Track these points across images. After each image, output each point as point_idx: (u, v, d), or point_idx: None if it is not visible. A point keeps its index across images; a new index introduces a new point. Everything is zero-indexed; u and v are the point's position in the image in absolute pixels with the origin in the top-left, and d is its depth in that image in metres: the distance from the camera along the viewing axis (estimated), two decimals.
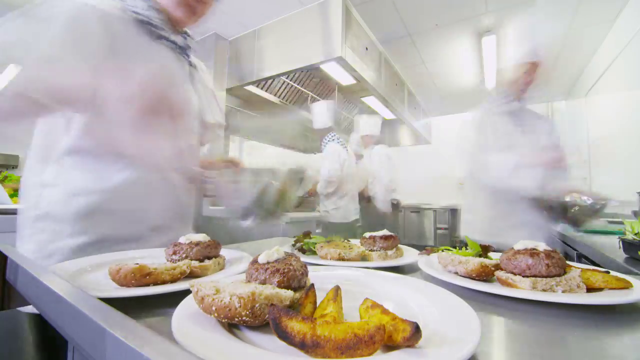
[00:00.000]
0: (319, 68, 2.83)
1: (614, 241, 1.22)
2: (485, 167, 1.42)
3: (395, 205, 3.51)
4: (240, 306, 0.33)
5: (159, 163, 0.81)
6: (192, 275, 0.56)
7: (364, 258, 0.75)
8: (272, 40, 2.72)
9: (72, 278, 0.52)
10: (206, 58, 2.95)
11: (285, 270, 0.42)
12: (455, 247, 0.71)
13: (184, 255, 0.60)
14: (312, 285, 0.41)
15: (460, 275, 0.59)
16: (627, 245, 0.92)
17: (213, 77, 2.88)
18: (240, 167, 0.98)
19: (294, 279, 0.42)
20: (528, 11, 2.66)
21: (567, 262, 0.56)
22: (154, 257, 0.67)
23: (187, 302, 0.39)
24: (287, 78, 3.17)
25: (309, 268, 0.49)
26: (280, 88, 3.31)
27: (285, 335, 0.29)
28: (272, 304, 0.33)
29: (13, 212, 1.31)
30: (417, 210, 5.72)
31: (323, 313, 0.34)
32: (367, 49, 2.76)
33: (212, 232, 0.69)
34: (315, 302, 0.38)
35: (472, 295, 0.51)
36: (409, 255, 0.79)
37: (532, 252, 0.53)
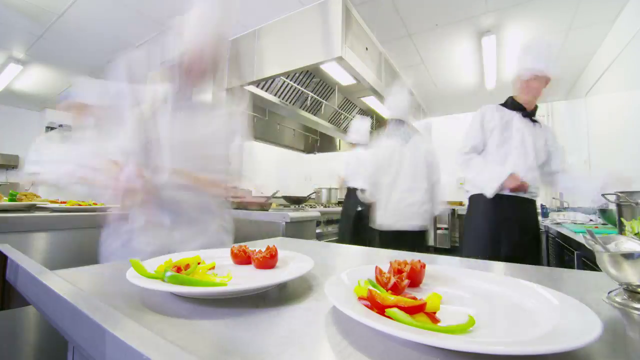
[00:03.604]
0: (319, 68, 2.83)
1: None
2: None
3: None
4: None
5: None
6: None
7: None
8: (272, 40, 2.72)
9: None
10: None
11: None
12: None
13: None
14: None
15: None
16: None
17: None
18: None
19: None
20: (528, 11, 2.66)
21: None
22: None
23: None
24: (287, 78, 3.17)
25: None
26: (280, 88, 3.31)
27: None
28: None
29: (6, 209, 1.31)
30: None
31: None
32: (367, 49, 2.75)
33: None
34: None
35: None
36: None
37: None
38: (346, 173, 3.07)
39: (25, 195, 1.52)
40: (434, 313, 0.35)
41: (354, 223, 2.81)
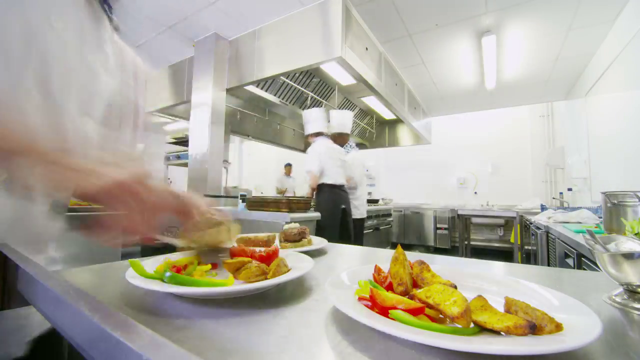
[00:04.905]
0: (319, 68, 2.83)
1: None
2: None
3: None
4: None
5: None
6: None
7: None
8: (272, 40, 2.71)
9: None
10: (206, 58, 2.95)
11: None
12: None
13: None
14: None
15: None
16: None
17: (213, 77, 2.88)
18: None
19: None
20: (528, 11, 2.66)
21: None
22: None
23: None
24: (287, 78, 3.17)
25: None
26: (280, 88, 3.31)
27: None
28: None
29: None
30: (417, 210, 5.72)
31: None
32: (367, 49, 2.75)
33: None
34: None
35: None
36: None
37: None
38: (324, 167, 2.78)
39: None
40: (436, 314, 0.35)
41: (341, 221, 2.75)
